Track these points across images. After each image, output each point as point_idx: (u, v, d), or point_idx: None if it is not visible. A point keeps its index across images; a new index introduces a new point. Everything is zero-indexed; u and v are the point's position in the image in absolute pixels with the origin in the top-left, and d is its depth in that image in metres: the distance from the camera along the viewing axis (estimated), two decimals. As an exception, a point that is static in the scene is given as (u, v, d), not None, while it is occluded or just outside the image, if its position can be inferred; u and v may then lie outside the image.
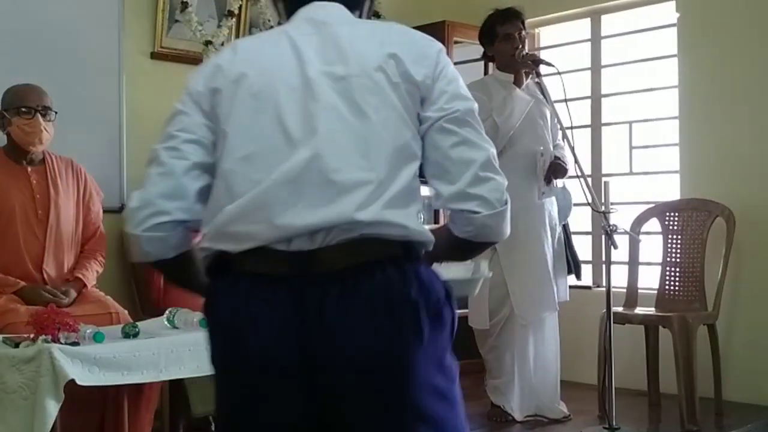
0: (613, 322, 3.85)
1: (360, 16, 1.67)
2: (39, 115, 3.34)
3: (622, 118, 5.06)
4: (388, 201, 1.44)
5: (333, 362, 1.42)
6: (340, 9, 1.60)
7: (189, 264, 1.59)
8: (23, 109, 3.32)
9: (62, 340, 2.61)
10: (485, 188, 1.53)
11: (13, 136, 3.34)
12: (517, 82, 4.00)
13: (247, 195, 1.45)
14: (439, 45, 1.63)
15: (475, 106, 1.62)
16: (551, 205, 4.07)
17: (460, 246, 1.58)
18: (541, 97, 4.09)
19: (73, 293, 3.33)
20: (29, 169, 3.40)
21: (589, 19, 5.19)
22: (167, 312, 3.08)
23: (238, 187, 1.47)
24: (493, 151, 1.59)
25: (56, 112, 3.40)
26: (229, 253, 1.49)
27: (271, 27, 4.73)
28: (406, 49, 1.55)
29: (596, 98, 5.15)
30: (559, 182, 4.06)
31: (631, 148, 4.99)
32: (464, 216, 1.52)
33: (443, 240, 1.56)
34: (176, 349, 2.83)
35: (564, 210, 4.12)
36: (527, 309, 3.97)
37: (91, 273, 3.48)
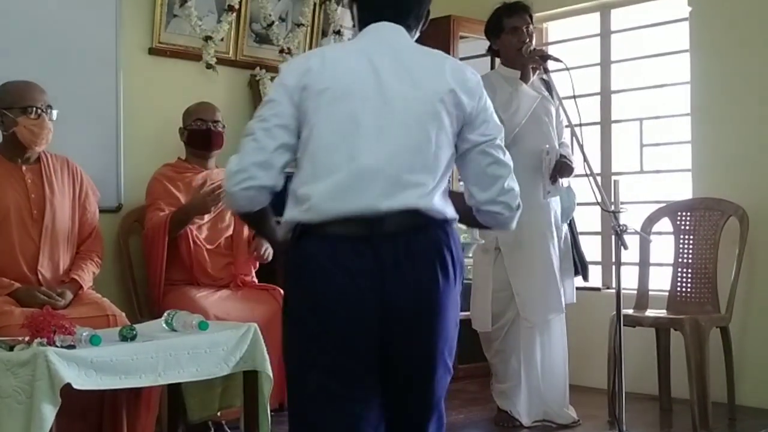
0: (624, 325, 3.83)
1: (412, 36, 2.23)
2: (44, 114, 3.34)
3: (633, 115, 5.06)
4: (436, 198, 2.06)
5: (402, 295, 2.00)
6: (405, 34, 2.17)
7: (266, 217, 2.17)
8: (29, 109, 3.32)
9: (58, 343, 2.60)
10: (509, 197, 2.20)
11: (19, 136, 3.33)
12: (524, 78, 3.98)
13: (332, 179, 2.00)
14: (479, 78, 2.23)
15: (501, 127, 2.23)
16: (557, 204, 4.06)
17: (473, 224, 2.27)
18: (547, 93, 4.09)
19: (69, 295, 3.33)
20: (24, 167, 3.40)
21: (598, 13, 5.18)
22: (166, 314, 3.07)
23: (320, 170, 2.01)
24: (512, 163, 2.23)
25: (57, 111, 3.40)
26: (314, 221, 2.01)
27: (272, 23, 4.73)
28: (460, 86, 2.12)
29: (606, 95, 5.14)
30: (564, 181, 4.05)
31: (642, 145, 4.99)
32: (491, 215, 2.19)
33: (457, 208, 2.14)
34: (175, 353, 2.82)
35: (567, 210, 4.11)
36: (533, 311, 3.97)
37: (88, 274, 3.48)
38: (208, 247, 3.96)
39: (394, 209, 2.00)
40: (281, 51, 4.82)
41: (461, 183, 2.28)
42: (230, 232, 4.05)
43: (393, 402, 2.09)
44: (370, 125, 2.02)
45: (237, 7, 4.61)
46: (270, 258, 4.03)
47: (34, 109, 3.32)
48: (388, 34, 2.15)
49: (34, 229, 3.35)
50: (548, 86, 4.12)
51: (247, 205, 2.09)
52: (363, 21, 2.21)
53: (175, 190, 3.89)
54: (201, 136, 3.98)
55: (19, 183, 3.37)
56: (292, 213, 2.06)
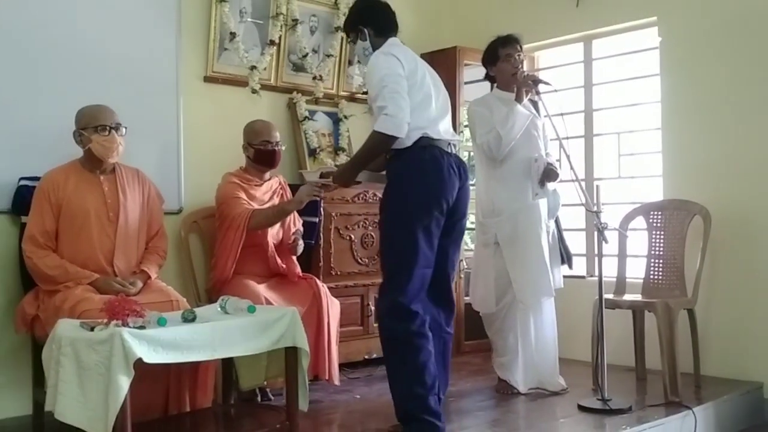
0: (605, 307, 3.84)
1: None
2: (113, 131, 3.36)
3: (612, 130, 5.03)
4: None
5: (462, 193, 3.22)
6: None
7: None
8: (101, 128, 3.33)
9: (131, 325, 2.61)
10: None
11: (94, 151, 3.34)
12: (518, 99, 3.98)
13: (428, 119, 3.15)
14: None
15: None
16: (545, 205, 4.06)
17: None
18: (535, 112, 4.10)
19: (140, 284, 3.35)
20: (102, 177, 3.41)
21: (582, 44, 5.16)
22: (220, 300, 3.08)
23: (418, 116, 3.09)
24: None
25: (126, 127, 3.41)
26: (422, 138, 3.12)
27: (307, 54, 4.74)
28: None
29: (589, 112, 5.12)
30: (550, 185, 4.05)
31: (620, 155, 4.97)
32: None
33: None
34: (228, 332, 2.83)
35: (553, 209, 4.11)
36: (527, 295, 3.97)
37: (154, 266, 3.50)
38: (260, 243, 3.93)
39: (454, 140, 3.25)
40: (314, 78, 4.83)
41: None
42: (279, 231, 4.03)
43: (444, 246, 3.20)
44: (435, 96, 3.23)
45: (277, 41, 4.62)
46: (299, 251, 4.00)
47: (105, 127, 3.33)
48: (398, 41, 3.31)
49: (110, 229, 3.36)
50: (535, 106, 4.12)
51: (400, 134, 3.02)
52: (378, 38, 3.30)
53: (242, 194, 3.87)
54: (267, 156, 3.93)
55: (98, 190, 3.38)
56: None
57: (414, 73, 3.15)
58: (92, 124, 3.34)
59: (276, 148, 3.98)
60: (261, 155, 3.95)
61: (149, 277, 3.43)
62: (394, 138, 3.01)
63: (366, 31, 3.30)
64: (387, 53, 3.17)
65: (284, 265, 3.97)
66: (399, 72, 3.08)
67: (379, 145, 3.05)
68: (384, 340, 3.11)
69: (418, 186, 3.08)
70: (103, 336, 2.55)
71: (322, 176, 3.55)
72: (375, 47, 3.27)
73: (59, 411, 2.57)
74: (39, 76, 3.70)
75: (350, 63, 5.05)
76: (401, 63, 3.12)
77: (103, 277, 3.27)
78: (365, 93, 3.36)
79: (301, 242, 3.99)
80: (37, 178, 3.44)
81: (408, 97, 3.04)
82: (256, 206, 3.87)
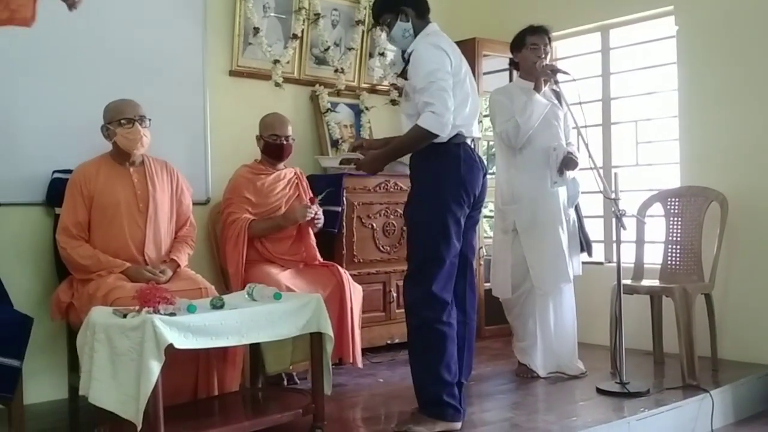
0: (623, 293, 3.82)
1: None
2: (137, 123, 3.37)
3: (629, 118, 4.99)
4: None
5: (484, 185, 3.24)
6: None
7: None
8: (123, 121, 3.35)
9: (162, 311, 2.63)
10: None
11: (119, 143, 3.37)
12: (537, 88, 3.95)
13: (464, 118, 3.11)
14: None
15: None
16: (564, 193, 4.03)
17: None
18: (557, 102, 4.06)
19: (170, 272, 3.38)
20: (131, 170, 3.43)
21: (599, 33, 5.11)
22: (247, 287, 3.09)
23: (457, 114, 3.05)
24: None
25: (150, 119, 3.43)
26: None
27: (328, 47, 4.75)
28: None
29: (606, 101, 5.07)
30: (570, 174, 4.02)
31: (637, 143, 4.92)
32: None
33: None
34: (255, 318, 2.84)
35: (572, 197, 4.08)
36: (544, 282, 3.96)
37: (184, 255, 3.53)
38: (283, 234, 3.95)
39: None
40: (336, 70, 4.83)
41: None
42: (298, 227, 4.03)
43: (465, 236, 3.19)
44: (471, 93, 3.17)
45: (300, 35, 4.63)
46: (320, 225, 4.00)
47: (129, 120, 3.35)
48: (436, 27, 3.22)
49: (141, 220, 3.38)
50: (558, 96, 4.09)
51: (443, 132, 3.00)
52: (419, 20, 3.18)
53: (247, 192, 3.87)
54: (275, 149, 3.95)
55: (128, 182, 3.40)
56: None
57: (459, 71, 3.10)
58: (116, 118, 3.36)
59: (284, 143, 3.97)
60: (269, 148, 3.96)
61: (179, 266, 3.46)
62: (435, 136, 2.99)
63: (407, 11, 3.15)
64: (437, 46, 3.08)
65: (304, 252, 4.00)
66: (447, 69, 3.02)
67: (421, 140, 3.02)
68: (415, 328, 3.09)
69: (453, 182, 3.07)
70: (136, 323, 2.57)
71: (342, 162, 3.46)
72: (416, 30, 3.16)
73: (93, 395, 2.60)
74: (70, 73, 3.73)
75: (371, 56, 5.04)
76: (450, 59, 3.06)
77: (135, 266, 3.29)
78: (395, 86, 3.26)
79: (321, 217, 3.97)
80: (69, 171, 3.47)
81: (452, 96, 3.01)
82: (255, 202, 3.88)
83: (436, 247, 3.05)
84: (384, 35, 4.85)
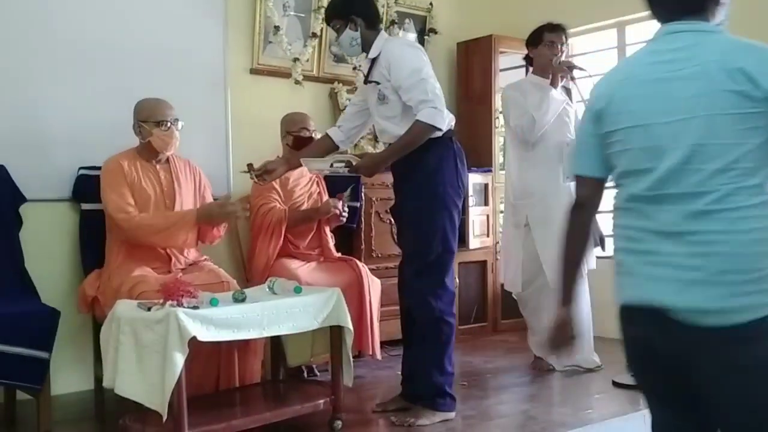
0: (637, 287, 3.79)
1: None
2: (173, 126, 3.39)
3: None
4: None
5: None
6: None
7: None
8: (162, 123, 3.37)
9: (185, 305, 2.64)
10: None
11: (153, 143, 3.38)
12: (553, 84, 3.95)
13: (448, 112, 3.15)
14: None
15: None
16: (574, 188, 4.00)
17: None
18: (567, 98, 4.04)
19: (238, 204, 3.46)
20: (158, 167, 3.46)
21: (615, 30, 5.08)
22: (268, 281, 3.11)
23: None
24: None
25: (183, 123, 3.44)
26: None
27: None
28: None
29: (622, 97, 5.04)
30: None
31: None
32: None
33: None
34: (276, 311, 2.85)
35: None
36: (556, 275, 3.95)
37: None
38: (305, 228, 3.97)
39: None
40: (354, 68, 4.84)
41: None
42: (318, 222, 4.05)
43: None
44: None
45: (319, 33, 4.64)
46: (344, 221, 4.01)
47: (166, 122, 3.37)
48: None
49: None
50: (569, 93, 4.08)
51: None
52: (368, 30, 3.20)
53: (276, 184, 3.88)
54: (306, 141, 3.94)
55: (155, 178, 3.42)
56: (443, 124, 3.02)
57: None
58: (152, 119, 3.37)
59: (313, 136, 3.99)
60: (299, 141, 3.98)
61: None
62: (437, 130, 3.02)
63: (357, 21, 3.16)
64: (413, 46, 3.17)
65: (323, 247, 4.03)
66: (429, 65, 3.10)
67: (423, 136, 3.03)
68: (427, 321, 3.10)
69: (452, 175, 3.11)
70: (160, 315, 2.60)
71: (333, 165, 3.23)
72: (366, 39, 3.17)
73: (119, 386, 2.62)
74: (94, 71, 3.77)
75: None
76: (426, 59, 3.14)
77: (204, 206, 3.35)
78: (377, 82, 3.16)
79: (346, 213, 3.96)
80: (95, 168, 3.51)
81: None
82: (282, 195, 3.91)
83: (446, 240, 3.08)
84: (401, 33, 4.86)
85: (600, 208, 1.93)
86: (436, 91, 3.03)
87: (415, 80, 3.02)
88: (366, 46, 3.19)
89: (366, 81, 3.25)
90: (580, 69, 3.96)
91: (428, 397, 3.11)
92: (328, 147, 3.41)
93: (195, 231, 3.35)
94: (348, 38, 3.19)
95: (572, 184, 3.96)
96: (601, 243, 4.15)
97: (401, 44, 3.18)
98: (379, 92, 3.15)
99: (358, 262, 3.98)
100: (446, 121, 3.04)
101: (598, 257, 4.17)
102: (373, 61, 3.17)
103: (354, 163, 3.16)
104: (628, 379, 3.67)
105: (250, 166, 3.37)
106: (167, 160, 3.49)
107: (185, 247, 3.39)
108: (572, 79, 3.97)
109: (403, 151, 3.08)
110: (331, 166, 3.20)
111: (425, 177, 3.10)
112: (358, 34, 3.17)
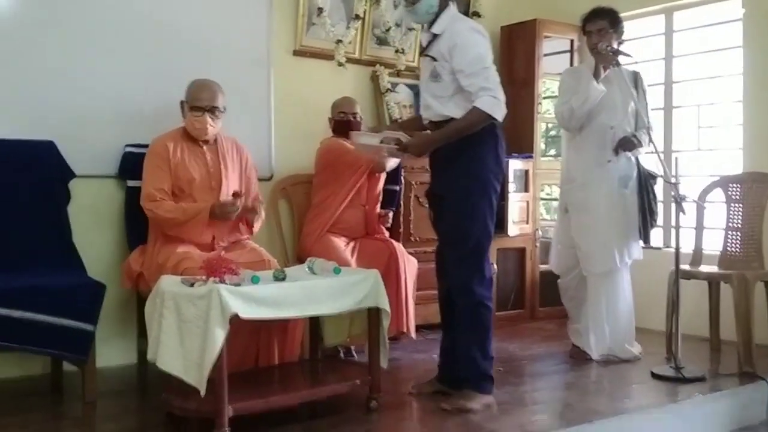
0: (681, 278, 3.76)
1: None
2: (207, 114, 3.42)
3: (692, 102, 4.87)
4: None
5: None
6: None
7: None
8: (196, 108, 3.42)
9: (227, 282, 2.67)
10: None
11: (187, 126, 3.45)
12: (595, 74, 3.87)
13: None
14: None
15: None
16: (618, 172, 3.93)
17: None
18: (630, 84, 3.90)
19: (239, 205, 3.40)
20: (204, 147, 3.50)
21: (663, 15, 4.99)
22: (308, 261, 3.13)
23: None
24: None
25: (224, 110, 3.47)
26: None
27: (390, 28, 4.75)
28: None
29: (668, 84, 4.96)
30: (629, 154, 3.93)
31: (699, 127, 4.81)
32: None
33: None
34: (315, 291, 2.87)
35: (624, 178, 3.94)
36: (590, 263, 3.94)
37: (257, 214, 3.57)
38: (351, 208, 4.03)
39: None
40: (396, 51, 4.84)
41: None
42: (368, 197, 4.11)
43: None
44: None
45: (362, 15, 4.64)
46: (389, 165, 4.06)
47: (199, 108, 3.41)
48: None
49: (213, 197, 3.42)
50: (635, 77, 3.99)
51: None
52: (442, 2, 3.12)
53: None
54: (343, 125, 4.00)
55: (202, 160, 3.47)
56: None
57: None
58: (191, 102, 3.44)
59: (353, 119, 4.06)
60: (339, 125, 4.05)
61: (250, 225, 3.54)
62: (494, 120, 3.01)
63: None
64: (481, 32, 3.09)
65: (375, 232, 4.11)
66: (491, 54, 3.09)
67: (480, 123, 3.01)
68: (470, 307, 3.09)
69: (495, 162, 3.11)
70: (203, 291, 2.63)
71: (383, 141, 3.19)
72: (440, 8, 3.10)
73: (161, 360, 2.67)
74: (141, 52, 3.83)
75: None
76: (490, 47, 3.12)
77: (217, 203, 3.34)
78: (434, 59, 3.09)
79: (393, 161, 4.01)
80: (141, 145, 3.58)
81: None
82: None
83: (486, 226, 3.08)
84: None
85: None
86: (497, 81, 3.01)
87: (479, 67, 2.99)
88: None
89: (422, 53, 3.20)
90: (626, 55, 3.89)
91: (474, 380, 3.12)
92: (418, 123, 3.39)
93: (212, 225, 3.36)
94: (426, 5, 3.09)
95: (616, 169, 3.92)
96: (645, 237, 4.00)
97: (470, 28, 3.10)
98: (434, 69, 3.10)
99: (392, 242, 4.00)
100: (503, 112, 3.01)
101: (643, 247, 4.11)
102: (435, 36, 3.13)
103: (404, 141, 3.12)
104: (667, 370, 3.64)
105: (236, 193, 3.39)
106: (214, 141, 3.53)
107: (202, 241, 3.39)
108: (617, 65, 3.90)
109: (456, 135, 3.04)
110: (381, 142, 3.16)
111: (471, 161, 3.07)
112: (436, 2, 3.10)
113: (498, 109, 2.98)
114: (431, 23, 3.13)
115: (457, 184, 3.09)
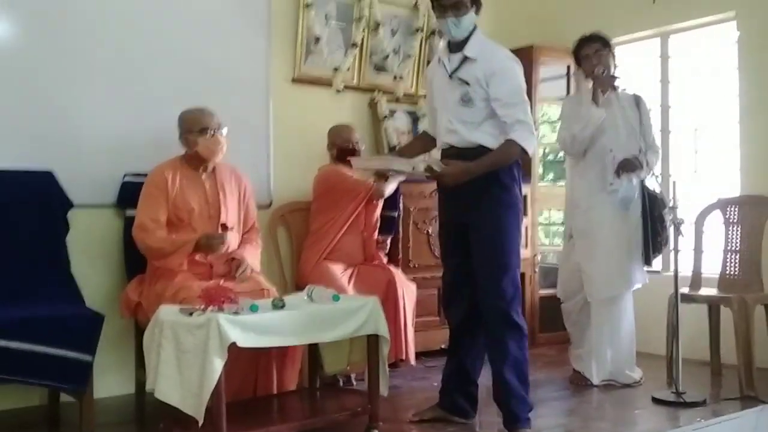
0: (680, 302, 3.76)
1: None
2: (218, 133, 3.44)
3: (688, 125, 4.90)
4: None
5: None
6: None
7: None
8: (205, 131, 3.42)
9: (226, 311, 2.68)
10: None
11: (200, 152, 3.43)
12: (594, 99, 3.90)
13: None
14: None
15: None
16: (623, 193, 3.93)
17: None
18: (632, 105, 3.96)
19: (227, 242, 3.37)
20: (203, 176, 3.50)
21: (659, 39, 5.04)
22: (306, 288, 3.13)
23: None
24: None
25: (227, 127, 3.49)
26: None
27: (387, 55, 4.78)
28: None
29: (665, 108, 4.99)
30: (631, 177, 3.93)
31: (696, 151, 4.84)
32: None
33: None
34: (314, 319, 2.87)
35: (625, 200, 3.94)
36: (594, 289, 3.93)
37: (248, 252, 3.51)
38: (349, 234, 4.05)
39: None
40: (394, 78, 4.87)
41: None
42: (366, 224, 4.11)
43: None
44: None
45: (359, 43, 4.68)
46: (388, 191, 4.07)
47: (210, 130, 3.42)
48: None
49: (212, 226, 3.41)
50: (637, 102, 4.01)
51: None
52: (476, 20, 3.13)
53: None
54: (348, 153, 4.00)
55: (201, 189, 3.46)
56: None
57: None
58: (196, 128, 3.43)
59: (356, 148, 4.11)
60: (343, 152, 4.05)
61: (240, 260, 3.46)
62: (527, 155, 3.03)
63: (480, 5, 3.10)
64: (518, 62, 3.10)
65: (373, 258, 4.11)
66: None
67: (515, 157, 3.02)
68: (511, 328, 3.03)
69: (519, 190, 3.13)
70: (201, 321, 2.63)
71: (414, 168, 3.02)
72: (471, 26, 3.08)
73: (159, 390, 2.66)
74: (139, 80, 3.85)
75: (429, 63, 5.05)
76: None
77: (203, 235, 3.32)
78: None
79: (391, 186, 4.04)
80: (140, 174, 3.58)
81: None
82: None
83: (517, 253, 3.10)
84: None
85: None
86: (531, 116, 3.04)
87: (519, 99, 2.98)
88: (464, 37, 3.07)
89: (451, 75, 3.09)
90: (615, 77, 3.92)
91: (523, 415, 3.08)
92: (426, 143, 3.38)
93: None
94: (469, 21, 3.05)
95: (619, 194, 3.91)
96: (647, 259, 3.97)
97: (508, 57, 3.07)
98: (466, 93, 3.04)
99: (390, 267, 4.00)
100: (535, 147, 3.05)
101: (648, 271, 4.08)
102: (466, 58, 3.05)
103: (438, 169, 2.97)
104: (668, 395, 3.62)
105: (224, 226, 3.41)
106: (213, 169, 3.53)
107: (178, 270, 3.33)
108: (614, 89, 3.94)
109: (492, 167, 2.99)
110: (413, 169, 3.03)
111: (502, 191, 3.05)
112: (475, 19, 3.08)
113: (532, 144, 2.99)
114: (459, 45, 3.07)
115: (493, 214, 3.03)
